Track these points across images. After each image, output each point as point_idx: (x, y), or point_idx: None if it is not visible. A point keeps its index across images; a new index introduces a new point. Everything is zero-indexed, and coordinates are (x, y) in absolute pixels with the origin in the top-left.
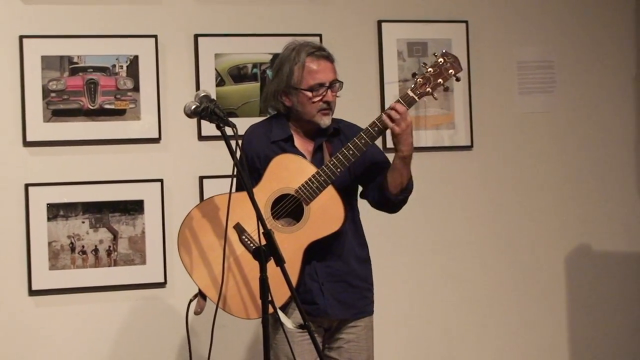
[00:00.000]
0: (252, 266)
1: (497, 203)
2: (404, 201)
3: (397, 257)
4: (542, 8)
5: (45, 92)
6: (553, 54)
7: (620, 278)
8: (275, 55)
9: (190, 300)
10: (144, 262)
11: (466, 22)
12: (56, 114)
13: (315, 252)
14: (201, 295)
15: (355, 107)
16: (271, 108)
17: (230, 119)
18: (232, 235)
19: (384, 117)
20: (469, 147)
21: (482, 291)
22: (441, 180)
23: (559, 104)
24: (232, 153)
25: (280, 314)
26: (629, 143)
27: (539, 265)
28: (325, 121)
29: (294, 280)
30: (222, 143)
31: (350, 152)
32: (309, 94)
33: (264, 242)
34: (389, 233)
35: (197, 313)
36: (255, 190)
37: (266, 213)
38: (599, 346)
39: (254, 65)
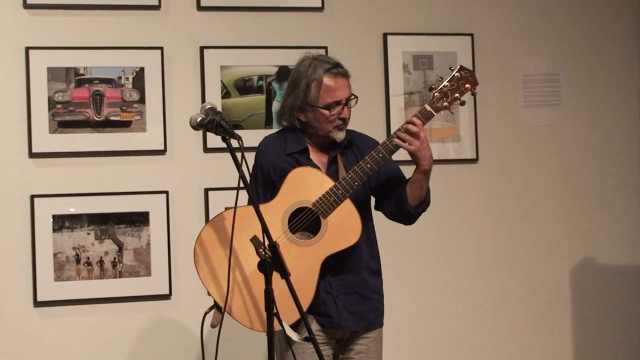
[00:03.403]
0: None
1: (503, 216)
2: (422, 212)
3: (402, 268)
4: (548, 21)
5: (51, 103)
6: (558, 67)
7: (625, 291)
8: (282, 68)
9: (206, 313)
10: (149, 274)
11: (472, 35)
12: (62, 125)
13: (329, 265)
14: (217, 307)
15: (360, 120)
16: (285, 122)
17: (236, 131)
18: (249, 248)
19: (399, 133)
20: (474, 160)
21: (487, 303)
22: (446, 193)
23: (564, 117)
24: (238, 165)
25: (286, 327)
26: (634, 156)
27: (543, 278)
28: (340, 135)
29: (310, 293)
30: (228, 155)
31: (368, 165)
32: (326, 112)
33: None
34: (394, 245)
35: (213, 326)
36: (272, 203)
37: (283, 226)
38: (603, 359)
39: (260, 78)
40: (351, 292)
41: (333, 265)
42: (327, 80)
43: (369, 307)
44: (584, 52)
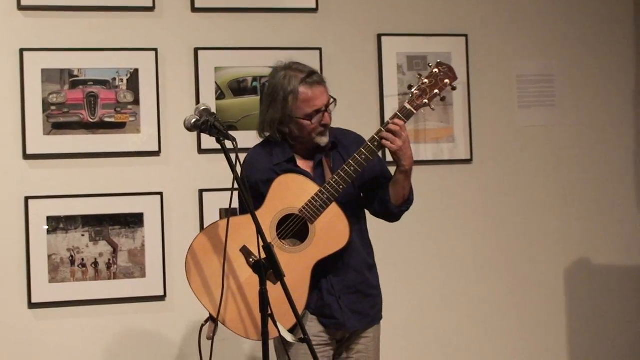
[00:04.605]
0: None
1: (497, 216)
2: (405, 211)
3: (397, 269)
4: (542, 22)
5: (46, 105)
6: (553, 68)
7: (620, 292)
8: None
9: (202, 325)
10: (143, 275)
11: (466, 35)
12: (56, 127)
13: (330, 266)
14: (212, 319)
15: (354, 121)
16: (268, 134)
17: (230, 132)
18: (239, 258)
19: (383, 133)
20: (468, 161)
21: (482, 303)
22: (441, 194)
23: (558, 117)
24: (232, 166)
25: (281, 328)
26: (629, 157)
27: (538, 279)
28: (323, 140)
29: (303, 299)
30: (222, 156)
31: (352, 168)
32: (307, 122)
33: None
34: (388, 245)
35: (209, 338)
36: (259, 211)
37: (272, 234)
38: (598, 359)
39: (254, 79)
40: (353, 290)
41: (334, 267)
42: (304, 91)
43: (370, 303)
44: (578, 53)
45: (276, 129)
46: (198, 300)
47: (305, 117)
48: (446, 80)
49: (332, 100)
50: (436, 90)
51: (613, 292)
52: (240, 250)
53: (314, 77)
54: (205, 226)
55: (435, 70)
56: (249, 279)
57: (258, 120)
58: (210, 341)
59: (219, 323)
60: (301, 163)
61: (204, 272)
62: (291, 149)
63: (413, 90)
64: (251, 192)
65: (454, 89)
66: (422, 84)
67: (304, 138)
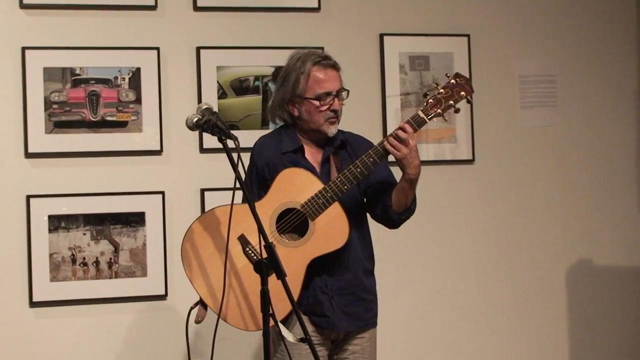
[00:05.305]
0: (254, 278)
1: (499, 217)
2: (405, 219)
3: (398, 269)
4: (544, 22)
5: (47, 103)
6: (555, 68)
7: (621, 292)
8: (278, 68)
9: (191, 309)
10: (145, 274)
11: (468, 35)
12: (58, 125)
13: (326, 265)
14: (202, 304)
15: (356, 121)
16: (278, 118)
17: (232, 131)
18: (236, 246)
19: (390, 138)
20: (470, 161)
21: (483, 304)
22: (443, 194)
23: (560, 118)
24: (234, 166)
25: (282, 327)
26: (631, 157)
27: (539, 279)
28: (332, 130)
29: (295, 294)
30: (224, 156)
31: (358, 170)
32: (316, 102)
33: (265, 255)
34: (390, 246)
35: (197, 322)
36: (261, 202)
37: (271, 227)
38: None
39: (256, 78)
40: (347, 292)
41: (329, 266)
42: (316, 72)
43: (364, 307)
44: (581, 53)
45: (285, 109)
46: (192, 286)
47: (314, 97)
48: (462, 93)
49: (344, 89)
50: (451, 102)
51: (614, 292)
52: (238, 238)
53: (327, 61)
54: None
55: (453, 81)
56: (245, 266)
57: (269, 105)
58: (211, 337)
59: (216, 320)
60: (309, 154)
61: (200, 256)
62: (300, 139)
63: (428, 98)
64: (257, 178)
65: (468, 102)
66: (439, 93)
67: (313, 123)
